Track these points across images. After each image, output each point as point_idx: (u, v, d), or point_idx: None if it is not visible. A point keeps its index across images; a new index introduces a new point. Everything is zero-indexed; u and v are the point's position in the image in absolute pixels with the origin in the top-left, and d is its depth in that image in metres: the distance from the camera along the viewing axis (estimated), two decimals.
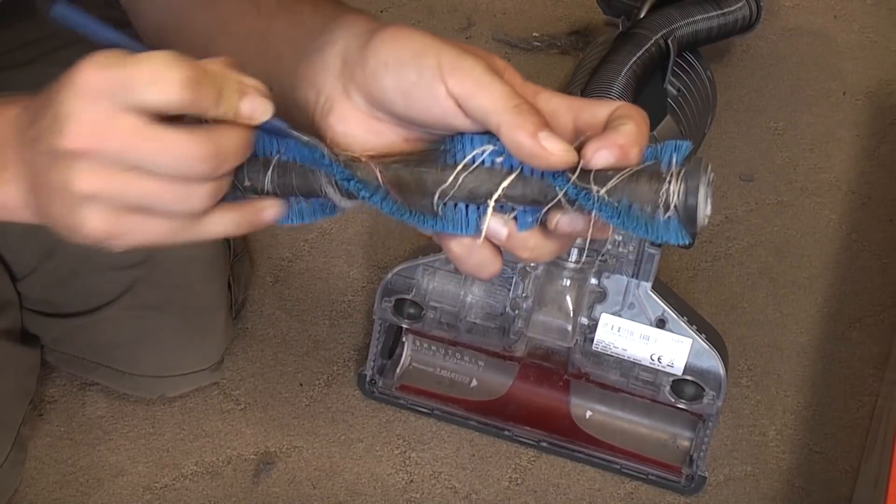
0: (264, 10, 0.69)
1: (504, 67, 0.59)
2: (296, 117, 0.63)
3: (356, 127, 0.60)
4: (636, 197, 0.55)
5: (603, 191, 0.55)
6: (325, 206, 0.61)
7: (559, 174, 0.56)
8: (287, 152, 0.59)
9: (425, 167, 0.58)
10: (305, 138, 0.58)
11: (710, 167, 0.56)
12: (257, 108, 0.57)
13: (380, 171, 0.58)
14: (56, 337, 1.11)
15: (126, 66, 0.53)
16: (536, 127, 0.55)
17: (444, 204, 0.58)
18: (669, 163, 0.55)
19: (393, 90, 0.58)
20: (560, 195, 0.56)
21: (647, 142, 0.58)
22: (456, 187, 0.57)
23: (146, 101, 0.53)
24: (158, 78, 0.53)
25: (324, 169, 0.58)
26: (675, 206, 0.55)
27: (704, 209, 0.55)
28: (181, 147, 0.54)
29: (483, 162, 0.57)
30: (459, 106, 0.56)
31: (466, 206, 0.58)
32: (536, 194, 0.57)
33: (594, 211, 0.56)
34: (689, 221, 0.55)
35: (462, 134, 0.58)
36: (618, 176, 0.55)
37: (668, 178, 0.55)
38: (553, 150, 0.55)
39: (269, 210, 0.60)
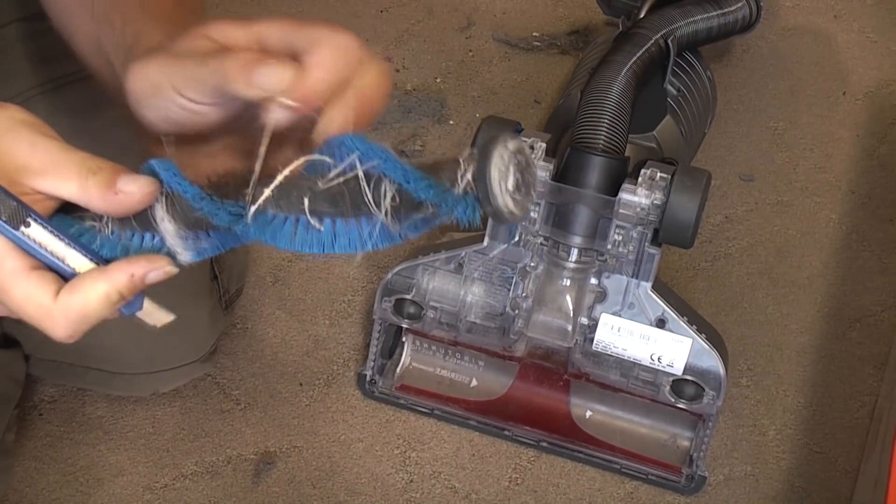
0: (96, 12, 0.71)
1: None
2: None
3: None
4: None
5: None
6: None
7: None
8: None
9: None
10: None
11: (507, 149, 0.53)
12: (160, 278, 0.59)
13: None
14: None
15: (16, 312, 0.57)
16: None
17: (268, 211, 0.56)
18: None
19: (154, 119, 0.62)
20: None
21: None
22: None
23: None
24: (44, 327, 0.57)
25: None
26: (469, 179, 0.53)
27: (506, 198, 0.52)
28: (36, 323, 0.57)
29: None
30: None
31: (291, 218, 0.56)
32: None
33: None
34: (497, 216, 0.53)
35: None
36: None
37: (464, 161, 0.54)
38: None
39: (154, 274, 0.59)
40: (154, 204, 0.58)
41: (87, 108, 1.05)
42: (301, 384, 1.19)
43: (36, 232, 0.56)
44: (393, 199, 0.54)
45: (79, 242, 0.58)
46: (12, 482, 1.10)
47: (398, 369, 1.17)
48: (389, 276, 1.09)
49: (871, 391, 1.20)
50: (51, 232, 0.56)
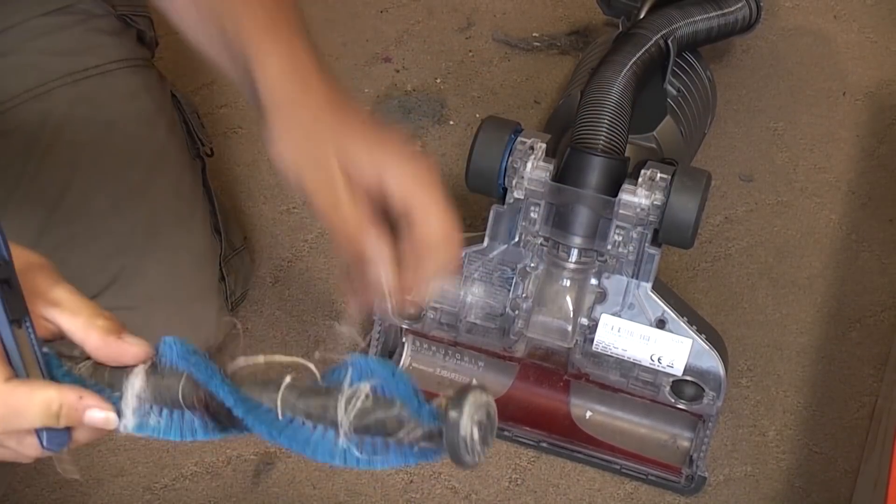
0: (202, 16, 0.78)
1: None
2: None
3: None
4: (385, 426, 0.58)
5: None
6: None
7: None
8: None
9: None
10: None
11: (482, 398, 0.56)
12: (98, 419, 0.61)
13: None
14: None
15: None
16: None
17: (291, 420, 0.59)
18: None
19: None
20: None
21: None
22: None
23: None
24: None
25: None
26: (443, 441, 0.56)
27: (471, 442, 0.55)
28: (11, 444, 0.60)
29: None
30: None
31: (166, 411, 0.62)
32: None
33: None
34: (455, 457, 0.56)
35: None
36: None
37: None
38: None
39: (95, 413, 0.61)
40: (136, 367, 0.61)
41: (107, 102, 1.06)
42: None
43: (21, 336, 0.59)
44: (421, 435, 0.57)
45: (50, 366, 0.61)
46: (13, 482, 1.10)
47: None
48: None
49: (870, 391, 1.20)
50: (32, 343, 0.59)
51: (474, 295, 1.08)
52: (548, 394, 1.15)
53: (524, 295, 1.06)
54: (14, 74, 1.03)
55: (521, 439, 1.14)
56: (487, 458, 1.13)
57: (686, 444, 1.13)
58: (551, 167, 1.03)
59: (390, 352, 1.17)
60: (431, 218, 0.72)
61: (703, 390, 1.05)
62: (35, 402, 0.59)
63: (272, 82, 0.74)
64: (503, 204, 1.05)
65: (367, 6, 1.60)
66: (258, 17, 0.75)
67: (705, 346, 1.03)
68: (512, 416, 1.15)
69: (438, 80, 1.51)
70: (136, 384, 0.61)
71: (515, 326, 1.07)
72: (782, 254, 1.33)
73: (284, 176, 0.74)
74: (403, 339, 1.17)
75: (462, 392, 0.56)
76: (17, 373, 0.60)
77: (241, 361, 0.61)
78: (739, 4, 1.34)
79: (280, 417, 0.59)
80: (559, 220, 1.03)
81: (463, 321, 1.09)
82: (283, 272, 1.29)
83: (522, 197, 1.03)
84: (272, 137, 0.73)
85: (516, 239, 1.05)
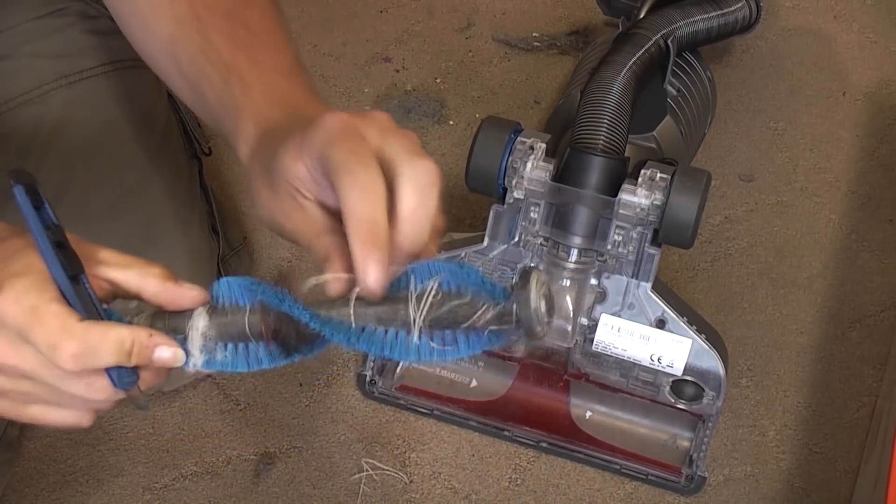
0: (183, 73, 0.77)
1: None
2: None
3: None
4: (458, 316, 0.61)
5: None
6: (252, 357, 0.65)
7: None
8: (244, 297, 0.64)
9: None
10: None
11: (542, 276, 0.61)
12: (166, 356, 0.63)
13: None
14: None
15: (34, 329, 0.60)
16: None
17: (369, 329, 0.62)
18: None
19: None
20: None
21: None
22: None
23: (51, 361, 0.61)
24: (54, 343, 0.60)
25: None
26: (515, 318, 0.60)
27: (540, 311, 0.60)
28: (82, 385, 0.62)
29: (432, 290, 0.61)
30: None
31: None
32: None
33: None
34: (528, 329, 0.60)
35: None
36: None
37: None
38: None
39: (163, 351, 0.63)
40: (196, 309, 0.64)
41: (102, 103, 1.06)
42: (301, 384, 1.19)
43: (81, 291, 0.62)
44: (487, 316, 0.61)
45: (111, 319, 0.63)
46: (12, 482, 1.10)
47: (398, 370, 1.17)
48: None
49: (870, 391, 1.20)
50: (92, 297, 0.62)
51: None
52: (548, 394, 1.15)
53: None
54: (8, 78, 1.03)
55: (521, 439, 1.14)
56: (487, 458, 1.14)
57: (686, 444, 1.13)
58: (551, 167, 1.03)
59: None
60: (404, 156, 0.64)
61: (703, 390, 1.05)
62: (110, 339, 0.61)
63: (246, 153, 0.72)
64: (503, 204, 1.05)
65: (367, 6, 1.60)
66: (236, 69, 0.74)
67: (705, 346, 1.03)
68: (512, 416, 1.15)
69: (438, 80, 1.51)
70: (199, 324, 0.63)
71: None
72: (782, 254, 1.33)
73: (266, 222, 0.70)
74: None
75: (525, 273, 0.60)
76: None
77: (312, 281, 0.64)
78: (739, 4, 1.34)
79: (353, 327, 0.61)
80: (559, 220, 1.03)
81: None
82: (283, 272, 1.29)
83: (522, 197, 1.03)
84: (253, 201, 0.71)
85: (516, 239, 1.05)
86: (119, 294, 0.65)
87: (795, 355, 1.23)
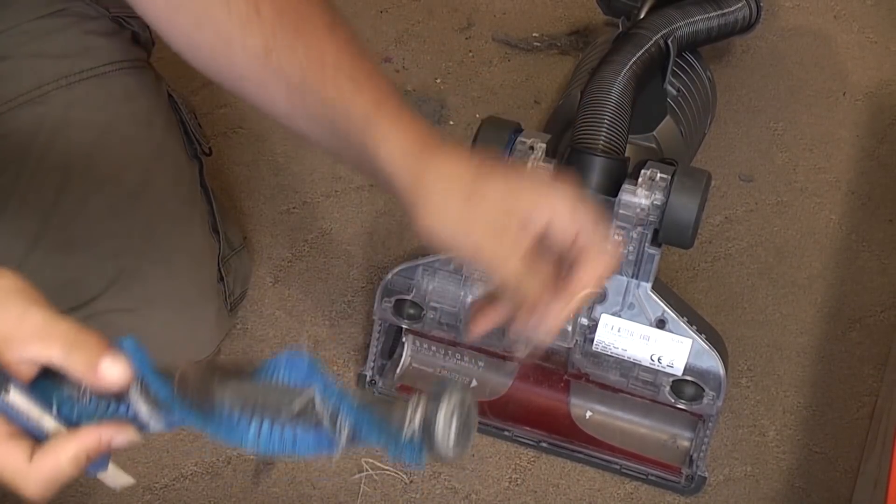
0: (292, 85, 0.78)
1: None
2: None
3: None
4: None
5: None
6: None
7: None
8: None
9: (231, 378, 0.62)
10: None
11: (453, 401, 0.59)
12: (122, 444, 0.63)
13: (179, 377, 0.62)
14: None
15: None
16: None
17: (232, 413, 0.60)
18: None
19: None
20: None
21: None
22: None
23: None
24: (15, 486, 0.61)
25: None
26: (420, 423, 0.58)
27: (448, 444, 0.58)
28: (10, 483, 0.61)
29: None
30: None
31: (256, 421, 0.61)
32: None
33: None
34: (430, 447, 0.58)
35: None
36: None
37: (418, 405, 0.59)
38: None
39: (117, 438, 0.63)
40: (130, 385, 0.62)
41: (102, 104, 1.06)
42: None
43: (14, 399, 0.60)
44: (348, 433, 0.59)
45: (54, 407, 0.62)
46: None
47: (398, 369, 1.17)
48: (389, 276, 1.09)
49: (871, 391, 1.20)
50: (29, 399, 0.60)
51: (474, 295, 1.08)
52: (548, 394, 1.15)
53: None
54: (9, 78, 1.03)
55: (521, 439, 1.14)
56: (487, 458, 1.14)
57: (686, 444, 1.13)
58: (551, 167, 1.02)
59: (390, 351, 1.17)
60: (595, 240, 0.76)
61: (703, 390, 1.05)
62: (63, 465, 0.61)
63: (399, 161, 0.75)
64: None
65: (367, 6, 1.60)
66: (365, 98, 0.76)
67: (705, 346, 1.03)
68: (512, 416, 1.15)
69: (438, 80, 1.51)
70: (141, 409, 0.62)
71: None
72: (782, 254, 1.33)
73: (444, 245, 0.76)
74: (403, 339, 1.18)
75: (433, 406, 0.58)
76: (35, 433, 0.61)
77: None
78: (739, 4, 1.34)
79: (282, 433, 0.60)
80: None
81: (463, 321, 1.09)
82: (283, 273, 1.29)
83: None
84: (424, 213, 0.75)
85: None
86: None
87: (795, 355, 1.23)
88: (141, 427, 0.62)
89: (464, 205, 0.74)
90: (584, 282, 0.76)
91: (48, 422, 0.61)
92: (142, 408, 0.62)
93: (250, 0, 0.77)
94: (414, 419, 0.58)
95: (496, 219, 0.74)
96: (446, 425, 0.58)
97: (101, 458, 0.63)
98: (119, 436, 0.62)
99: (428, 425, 0.58)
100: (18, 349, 0.61)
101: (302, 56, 0.77)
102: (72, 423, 0.62)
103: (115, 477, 0.64)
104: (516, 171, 0.79)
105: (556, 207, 0.75)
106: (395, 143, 0.75)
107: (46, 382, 0.62)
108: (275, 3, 0.77)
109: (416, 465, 0.60)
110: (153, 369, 0.62)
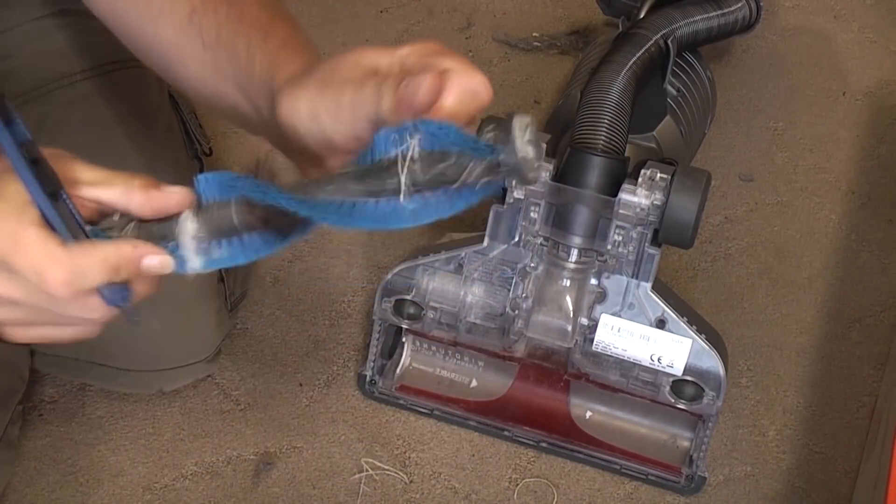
0: (209, 43, 0.75)
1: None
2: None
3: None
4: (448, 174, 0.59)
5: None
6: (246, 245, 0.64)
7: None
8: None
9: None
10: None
11: (525, 119, 0.60)
12: (153, 265, 0.63)
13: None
14: None
15: (17, 258, 0.61)
16: None
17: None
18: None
19: (314, 145, 0.67)
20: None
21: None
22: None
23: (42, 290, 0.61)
24: (40, 272, 0.60)
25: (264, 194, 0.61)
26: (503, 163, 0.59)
27: (527, 152, 0.59)
28: (36, 267, 0.61)
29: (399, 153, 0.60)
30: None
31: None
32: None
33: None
34: (518, 172, 0.59)
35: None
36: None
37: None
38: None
39: (151, 259, 0.63)
40: (181, 213, 0.62)
41: (103, 103, 1.06)
42: (301, 384, 1.19)
43: (62, 209, 0.61)
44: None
45: (97, 237, 0.62)
46: (12, 482, 1.10)
47: (398, 370, 1.17)
48: (389, 276, 1.09)
49: (870, 391, 1.20)
50: (74, 214, 0.61)
51: (474, 295, 1.08)
52: (548, 394, 1.15)
53: (524, 295, 1.06)
54: (10, 78, 1.03)
55: (521, 439, 1.14)
56: (487, 458, 1.13)
57: (686, 444, 1.13)
58: (551, 167, 1.03)
59: (390, 351, 1.17)
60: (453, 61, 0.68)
61: (703, 390, 1.05)
62: (95, 260, 0.61)
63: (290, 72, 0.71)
64: (503, 204, 1.05)
65: (367, 6, 1.60)
66: (271, 45, 0.74)
67: (705, 346, 1.03)
68: (512, 416, 1.15)
69: None
70: (188, 227, 0.62)
71: (515, 326, 1.07)
72: (782, 254, 1.33)
73: (304, 127, 0.68)
74: (403, 339, 1.18)
75: (506, 121, 0.59)
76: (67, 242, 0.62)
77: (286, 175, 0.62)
78: (739, 4, 1.34)
79: (342, 205, 0.59)
80: (559, 219, 1.03)
81: (463, 321, 1.09)
82: (283, 272, 1.29)
83: (522, 197, 1.03)
84: (284, 94, 0.69)
85: (516, 239, 1.05)
86: (105, 212, 0.64)
87: (795, 355, 1.23)
88: (182, 262, 0.63)
89: (320, 79, 0.67)
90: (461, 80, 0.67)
91: (83, 239, 0.62)
92: (189, 227, 0.62)
93: None
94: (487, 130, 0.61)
95: (351, 77, 0.66)
96: (524, 147, 0.59)
97: (122, 287, 0.62)
98: (154, 255, 0.62)
99: (510, 153, 0.59)
100: (81, 190, 0.62)
101: (223, 15, 0.76)
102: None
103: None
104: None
105: (412, 47, 0.67)
106: (289, 72, 0.71)
107: (95, 228, 0.63)
108: None
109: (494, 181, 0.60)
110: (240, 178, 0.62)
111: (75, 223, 0.61)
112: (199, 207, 0.62)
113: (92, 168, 0.64)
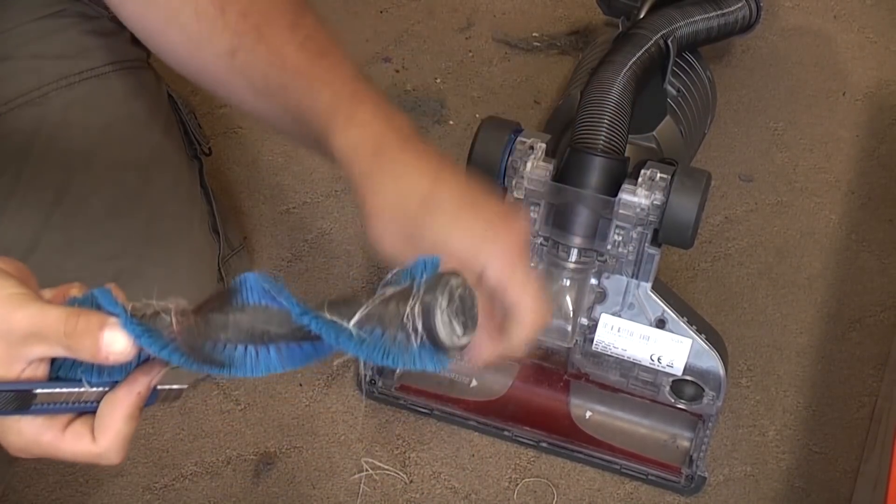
0: (258, 88, 0.77)
1: None
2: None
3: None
4: (385, 323, 0.54)
5: (352, 322, 0.55)
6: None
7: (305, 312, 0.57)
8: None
9: (215, 312, 0.59)
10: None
11: (453, 283, 0.54)
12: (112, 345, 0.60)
13: (176, 321, 0.59)
14: None
15: None
16: None
17: (225, 347, 0.59)
18: (419, 281, 0.54)
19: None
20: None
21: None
22: (234, 328, 0.58)
23: None
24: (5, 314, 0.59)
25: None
26: (417, 329, 0.54)
27: (448, 329, 0.54)
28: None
29: (259, 301, 0.58)
30: None
31: (251, 348, 0.59)
32: (290, 331, 0.58)
33: (343, 346, 0.56)
34: (434, 343, 0.54)
35: (245, 276, 0.59)
36: (368, 303, 0.55)
37: (413, 298, 0.54)
38: None
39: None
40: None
41: (102, 104, 1.06)
42: (301, 384, 1.19)
43: (45, 398, 0.61)
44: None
45: (84, 381, 0.62)
46: (12, 482, 1.10)
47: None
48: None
49: (871, 391, 1.20)
50: (59, 388, 0.61)
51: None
52: (548, 394, 1.15)
53: None
54: (9, 79, 1.03)
55: (521, 439, 1.14)
56: (487, 458, 1.13)
57: (686, 444, 1.13)
58: (551, 167, 1.03)
59: None
60: (525, 300, 0.71)
61: (703, 390, 1.05)
62: (125, 422, 0.62)
63: (351, 156, 0.72)
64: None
65: (367, 6, 1.60)
66: (322, 99, 0.75)
67: (705, 346, 1.03)
68: (512, 416, 1.15)
69: (438, 80, 1.51)
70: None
71: None
72: (782, 254, 1.33)
73: (383, 254, 0.73)
74: None
75: (430, 285, 0.54)
76: (85, 410, 0.63)
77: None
78: (739, 4, 1.34)
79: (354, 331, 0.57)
80: (559, 219, 1.03)
81: None
82: (283, 272, 1.29)
83: (522, 197, 1.03)
84: (369, 223, 0.73)
85: None
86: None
87: (795, 355, 1.23)
88: (167, 360, 0.61)
89: (407, 225, 0.71)
90: (515, 338, 0.72)
91: (88, 394, 0.62)
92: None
93: (216, 1, 0.77)
94: (416, 321, 0.55)
95: (422, 243, 0.70)
96: (443, 319, 0.54)
97: (150, 394, 0.63)
98: (154, 373, 0.63)
99: (426, 325, 0.54)
100: (26, 353, 0.61)
101: (263, 58, 0.76)
102: (107, 382, 0.62)
103: (169, 391, 0.65)
104: (468, 194, 0.72)
105: (494, 255, 0.71)
106: (345, 139, 0.73)
107: (66, 361, 0.62)
108: (240, 3, 0.77)
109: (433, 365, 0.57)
110: (138, 326, 0.59)
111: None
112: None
113: (27, 310, 0.60)
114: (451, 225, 0.71)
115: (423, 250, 0.66)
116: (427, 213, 0.71)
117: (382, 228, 0.72)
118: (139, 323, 0.59)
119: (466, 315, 0.56)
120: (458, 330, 0.55)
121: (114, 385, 0.62)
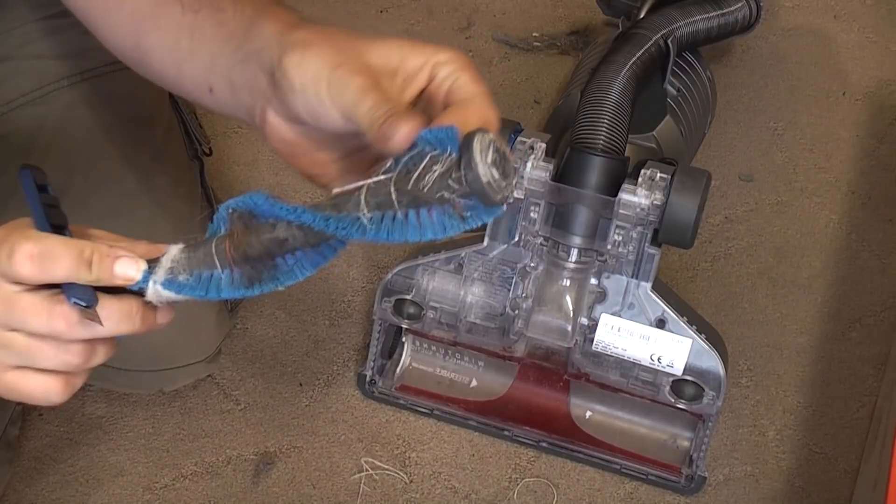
0: (188, 6, 0.73)
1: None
2: (241, 116, 0.70)
3: (285, 137, 0.69)
4: (423, 198, 0.57)
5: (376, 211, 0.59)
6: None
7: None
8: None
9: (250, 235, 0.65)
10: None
11: (487, 137, 0.56)
12: (129, 270, 0.63)
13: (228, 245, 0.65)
14: None
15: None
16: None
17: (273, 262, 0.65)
18: (454, 146, 0.57)
19: (302, 112, 0.65)
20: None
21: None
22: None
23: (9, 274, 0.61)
24: (12, 248, 0.60)
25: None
26: (466, 190, 0.56)
27: (496, 182, 0.56)
28: (42, 312, 0.61)
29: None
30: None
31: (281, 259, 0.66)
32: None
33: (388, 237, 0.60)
34: (484, 198, 0.56)
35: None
36: (391, 184, 0.58)
37: (444, 163, 0.56)
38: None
39: (124, 264, 0.64)
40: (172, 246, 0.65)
41: (103, 104, 1.06)
42: (301, 384, 1.19)
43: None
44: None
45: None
46: (12, 482, 1.10)
47: (398, 369, 1.17)
48: (389, 276, 1.09)
49: (870, 391, 1.20)
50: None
51: (474, 295, 1.08)
52: (548, 394, 1.15)
53: (524, 295, 1.06)
54: (10, 79, 1.03)
55: (521, 439, 1.14)
56: (487, 458, 1.13)
57: (686, 443, 1.13)
58: (551, 167, 1.03)
59: (390, 351, 1.17)
60: (482, 88, 0.66)
61: (703, 390, 1.05)
62: (68, 246, 0.61)
63: (271, 40, 0.69)
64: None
65: (367, 6, 1.60)
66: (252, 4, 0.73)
67: (705, 345, 1.03)
68: (512, 416, 1.15)
69: None
70: (172, 251, 0.65)
71: (515, 326, 1.07)
72: (782, 254, 1.33)
73: (311, 107, 0.66)
74: (403, 339, 1.18)
75: (466, 140, 0.56)
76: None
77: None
78: (739, 4, 1.34)
79: (363, 217, 0.61)
80: (559, 219, 1.03)
81: (463, 321, 1.09)
82: None
83: (522, 197, 1.03)
84: (291, 59, 0.67)
85: (516, 239, 1.05)
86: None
87: (795, 355, 1.23)
88: (151, 281, 0.64)
89: (336, 58, 0.66)
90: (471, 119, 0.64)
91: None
92: (173, 250, 0.65)
93: None
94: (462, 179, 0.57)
95: (373, 72, 0.65)
96: (483, 163, 0.56)
97: (86, 288, 0.62)
98: (128, 258, 0.64)
99: (472, 179, 0.56)
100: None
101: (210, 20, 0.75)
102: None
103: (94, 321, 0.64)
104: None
105: (449, 59, 0.66)
106: (269, 28, 0.70)
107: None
108: None
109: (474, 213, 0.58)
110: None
111: None
112: (196, 240, 0.65)
113: (102, 232, 0.66)
114: (402, 46, 0.67)
115: (357, 73, 0.64)
116: (378, 43, 0.67)
117: (303, 72, 0.66)
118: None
119: (506, 164, 0.57)
120: (503, 182, 0.57)
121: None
